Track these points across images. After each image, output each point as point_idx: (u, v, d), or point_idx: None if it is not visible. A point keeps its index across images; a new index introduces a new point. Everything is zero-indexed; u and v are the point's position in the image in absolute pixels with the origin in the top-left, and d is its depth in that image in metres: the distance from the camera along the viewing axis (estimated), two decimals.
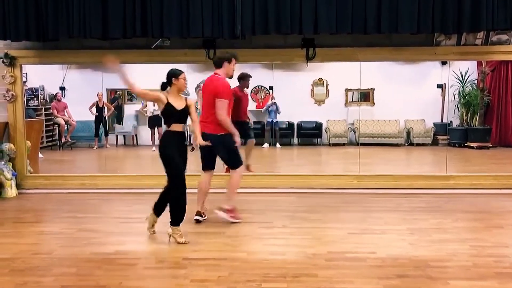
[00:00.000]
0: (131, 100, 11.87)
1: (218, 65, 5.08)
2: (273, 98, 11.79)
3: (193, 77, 9.97)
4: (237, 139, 5.01)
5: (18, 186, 6.81)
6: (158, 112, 4.75)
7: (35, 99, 11.09)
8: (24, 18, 6.15)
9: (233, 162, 5.07)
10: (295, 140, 12.28)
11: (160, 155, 4.40)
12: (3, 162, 6.69)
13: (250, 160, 7.29)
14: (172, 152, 4.35)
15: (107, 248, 4.29)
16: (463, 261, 3.91)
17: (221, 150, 5.01)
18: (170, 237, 4.44)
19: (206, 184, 5.13)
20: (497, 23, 5.90)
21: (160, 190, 4.63)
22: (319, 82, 12.55)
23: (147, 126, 11.25)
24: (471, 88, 11.82)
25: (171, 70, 4.49)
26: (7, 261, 3.96)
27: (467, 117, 11.69)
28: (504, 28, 6.09)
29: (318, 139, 12.32)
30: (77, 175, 7.31)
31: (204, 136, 4.64)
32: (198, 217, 5.09)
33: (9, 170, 6.69)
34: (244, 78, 6.97)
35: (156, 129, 11.01)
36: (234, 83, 5.77)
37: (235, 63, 5.10)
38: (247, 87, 7.32)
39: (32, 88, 10.91)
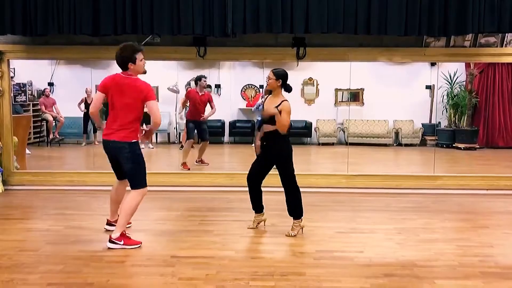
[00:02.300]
0: None
1: (124, 66, 4.20)
2: (262, 97, 11.76)
3: (183, 74, 9.95)
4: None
5: (4, 183, 6.73)
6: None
7: (23, 94, 10.95)
8: (10, 12, 6.05)
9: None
10: None
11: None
12: None
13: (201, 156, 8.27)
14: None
15: (95, 246, 4.27)
16: (450, 261, 3.95)
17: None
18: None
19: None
20: (483, 27, 5.91)
21: None
22: (309, 81, 12.58)
23: None
24: (459, 89, 11.93)
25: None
26: None
27: (455, 118, 11.79)
28: (491, 31, 6.12)
29: (308, 138, 12.35)
30: (65, 172, 7.24)
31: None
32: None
33: None
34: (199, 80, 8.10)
35: (144, 126, 10.88)
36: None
37: (142, 58, 4.25)
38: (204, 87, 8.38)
39: (19, 83, 10.77)
